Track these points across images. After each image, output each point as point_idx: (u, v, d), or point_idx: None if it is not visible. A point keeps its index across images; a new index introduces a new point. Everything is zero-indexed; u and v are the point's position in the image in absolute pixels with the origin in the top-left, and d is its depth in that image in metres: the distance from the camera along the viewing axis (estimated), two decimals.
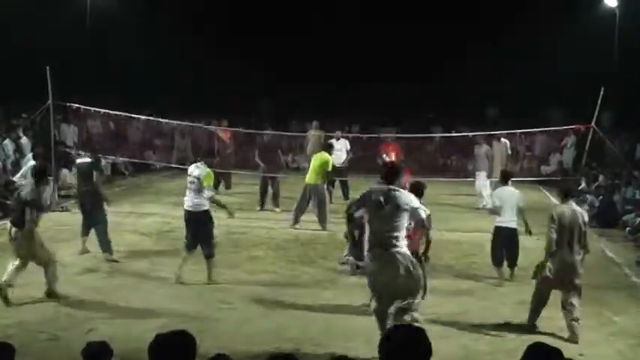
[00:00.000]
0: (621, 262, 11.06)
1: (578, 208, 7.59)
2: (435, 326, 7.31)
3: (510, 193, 9.69)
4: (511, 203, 9.54)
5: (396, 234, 6.32)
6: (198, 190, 9.01)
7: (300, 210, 13.07)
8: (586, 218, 7.57)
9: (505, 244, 9.62)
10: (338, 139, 16.16)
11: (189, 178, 9.13)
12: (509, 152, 17.32)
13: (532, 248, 11.51)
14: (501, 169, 13.52)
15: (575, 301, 7.43)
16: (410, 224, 6.78)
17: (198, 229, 9.10)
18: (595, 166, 18.27)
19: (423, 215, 6.51)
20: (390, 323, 6.18)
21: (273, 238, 11.98)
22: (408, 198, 6.44)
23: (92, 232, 10.52)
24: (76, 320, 7.47)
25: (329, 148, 13.72)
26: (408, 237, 6.74)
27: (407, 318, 6.24)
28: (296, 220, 13.02)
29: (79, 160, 11.23)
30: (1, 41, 19.44)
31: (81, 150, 17.54)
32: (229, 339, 6.99)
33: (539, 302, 7.69)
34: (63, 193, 15.35)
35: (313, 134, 17.63)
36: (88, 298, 8.31)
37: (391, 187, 6.41)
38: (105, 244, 10.29)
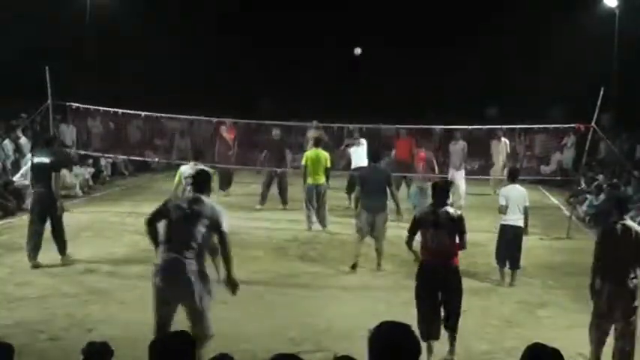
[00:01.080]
0: None
1: (634, 226, 6.45)
2: None
3: (518, 191, 9.58)
4: (517, 202, 9.46)
5: (194, 246, 5.85)
6: None
7: (311, 213, 12.77)
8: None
9: (508, 244, 9.52)
10: (356, 138, 15.45)
11: (188, 180, 8.99)
12: (509, 151, 17.28)
13: (532, 247, 11.55)
14: (510, 166, 13.51)
15: (628, 341, 6.29)
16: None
17: None
18: (595, 166, 18.29)
19: (226, 229, 5.95)
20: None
21: (273, 238, 11.98)
22: (213, 210, 5.96)
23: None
24: (75, 320, 7.48)
25: (319, 143, 13.15)
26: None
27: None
28: (310, 222, 12.72)
29: (35, 160, 10.28)
30: (1, 41, 19.43)
31: (77, 149, 17.68)
32: (229, 339, 6.98)
33: (598, 339, 6.43)
34: (63, 192, 15.36)
35: (313, 134, 17.60)
36: (88, 297, 8.32)
37: (197, 195, 6.03)
38: (62, 246, 10.01)
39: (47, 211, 9.82)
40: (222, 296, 8.46)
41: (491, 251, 9.95)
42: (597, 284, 6.34)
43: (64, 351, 6.50)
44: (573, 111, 19.45)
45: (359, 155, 14.46)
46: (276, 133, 15.83)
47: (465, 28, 24.81)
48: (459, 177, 15.66)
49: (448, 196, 7.05)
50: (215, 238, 6.12)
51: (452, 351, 6.72)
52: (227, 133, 17.50)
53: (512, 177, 9.90)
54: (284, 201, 14.86)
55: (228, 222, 6.03)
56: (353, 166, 14.68)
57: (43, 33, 20.19)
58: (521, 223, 9.51)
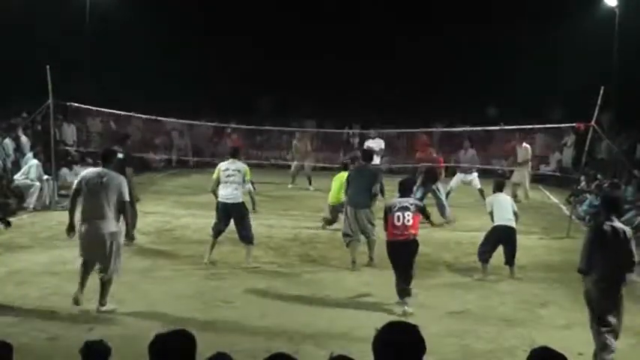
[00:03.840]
0: None
1: (621, 226, 6.48)
2: (435, 325, 7.32)
3: (504, 200, 9.89)
4: (506, 206, 9.74)
5: (107, 208, 7.58)
6: (238, 183, 9.90)
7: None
8: (630, 236, 6.46)
9: (504, 242, 9.63)
10: (373, 137, 15.68)
11: (226, 172, 9.89)
12: (530, 157, 17.35)
13: (532, 247, 11.56)
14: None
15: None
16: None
17: (241, 219, 9.98)
18: (595, 165, 18.28)
19: (127, 197, 7.75)
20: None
21: (274, 237, 11.98)
22: (118, 180, 7.71)
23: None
24: (75, 319, 7.48)
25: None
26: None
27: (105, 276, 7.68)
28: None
29: None
30: (1, 40, 19.44)
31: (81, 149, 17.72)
32: (229, 338, 6.99)
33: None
34: (63, 192, 15.38)
35: (299, 144, 17.93)
36: (89, 297, 8.30)
37: (104, 170, 7.75)
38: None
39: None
40: (221, 295, 8.50)
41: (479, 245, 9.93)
42: None
43: (65, 350, 6.48)
44: (573, 111, 19.45)
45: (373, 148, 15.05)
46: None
47: (465, 27, 24.80)
48: (473, 178, 15.94)
49: (113, 162, 8.14)
50: None
51: None
52: (233, 139, 17.85)
53: (499, 188, 10.15)
54: None
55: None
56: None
57: (43, 33, 20.21)
58: (513, 224, 9.66)
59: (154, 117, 17.80)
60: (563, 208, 15.95)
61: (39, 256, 10.18)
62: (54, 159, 14.37)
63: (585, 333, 7.44)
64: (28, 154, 15.40)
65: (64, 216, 12.38)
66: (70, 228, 7.89)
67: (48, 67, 13.40)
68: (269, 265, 10.19)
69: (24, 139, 16.44)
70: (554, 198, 17.83)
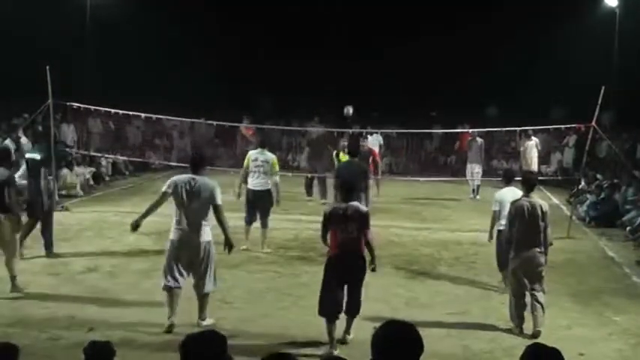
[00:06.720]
0: (621, 261, 11.08)
1: (538, 201, 7.63)
2: (435, 325, 7.33)
3: (513, 194, 8.73)
4: (506, 207, 8.62)
5: (201, 217, 7.21)
6: (266, 173, 10.68)
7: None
8: (546, 209, 7.56)
9: (504, 249, 8.94)
10: (371, 134, 16.17)
11: (255, 163, 10.70)
12: (540, 149, 17.50)
13: None
14: (505, 168, 13.79)
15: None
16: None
17: (263, 205, 10.84)
18: (595, 166, 18.28)
19: (219, 200, 7.21)
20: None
21: (274, 237, 11.96)
22: (210, 186, 7.25)
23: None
24: (76, 320, 7.47)
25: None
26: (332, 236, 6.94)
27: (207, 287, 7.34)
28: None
29: (28, 155, 10.68)
30: (1, 40, 19.44)
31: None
32: (229, 338, 6.97)
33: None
34: (63, 192, 15.39)
35: (315, 130, 18.29)
36: (89, 297, 8.32)
37: (195, 176, 7.28)
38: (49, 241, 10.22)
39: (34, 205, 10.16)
40: (222, 296, 8.49)
41: (492, 252, 9.86)
42: None
43: (65, 351, 6.49)
44: (574, 111, 19.47)
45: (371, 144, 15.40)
46: (315, 132, 16.37)
47: (465, 27, 24.82)
48: (477, 172, 16.54)
49: (203, 168, 7.63)
50: None
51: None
52: (246, 131, 17.92)
53: (508, 179, 9.33)
54: (324, 196, 15.27)
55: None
56: None
57: (43, 33, 20.21)
58: None
59: (154, 116, 17.76)
60: (564, 208, 15.94)
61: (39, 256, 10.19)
62: (54, 159, 14.34)
63: (586, 333, 7.47)
64: (27, 155, 15.36)
65: (64, 216, 12.45)
66: (136, 226, 7.43)
67: (47, 67, 13.39)
68: (270, 265, 10.19)
69: (24, 139, 16.42)
70: (554, 198, 17.81)
